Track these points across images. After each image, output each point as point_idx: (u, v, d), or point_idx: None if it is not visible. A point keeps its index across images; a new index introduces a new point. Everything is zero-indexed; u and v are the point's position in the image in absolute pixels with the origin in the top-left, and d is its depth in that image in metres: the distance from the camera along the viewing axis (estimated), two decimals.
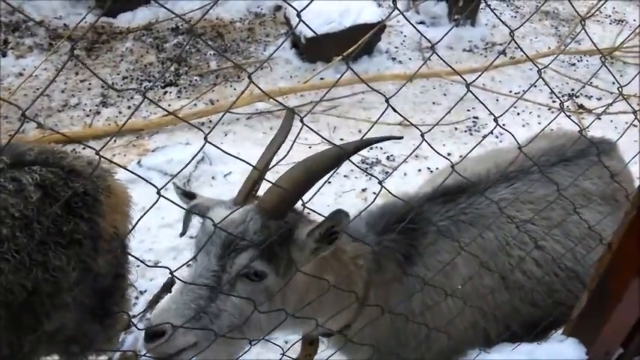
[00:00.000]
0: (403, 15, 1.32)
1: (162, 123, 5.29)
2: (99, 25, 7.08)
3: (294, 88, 5.50)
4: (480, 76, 1.77)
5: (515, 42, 1.41)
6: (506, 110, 1.87)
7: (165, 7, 1.20)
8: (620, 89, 1.85)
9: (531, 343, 2.07)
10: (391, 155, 5.06)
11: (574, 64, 6.51)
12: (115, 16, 7.20)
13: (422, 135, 1.49)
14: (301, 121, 1.34)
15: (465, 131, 5.40)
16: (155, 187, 1.14)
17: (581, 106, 5.75)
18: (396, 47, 6.73)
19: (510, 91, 5.91)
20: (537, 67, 1.57)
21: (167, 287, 2.39)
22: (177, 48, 6.69)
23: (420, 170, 4.87)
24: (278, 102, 1.71)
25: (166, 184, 1.24)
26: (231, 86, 6.03)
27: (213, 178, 4.70)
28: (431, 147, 1.58)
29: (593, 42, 1.90)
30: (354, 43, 5.84)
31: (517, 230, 2.26)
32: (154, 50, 6.65)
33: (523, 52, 1.71)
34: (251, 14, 7.43)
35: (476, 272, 2.18)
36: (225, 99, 5.74)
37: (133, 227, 1.45)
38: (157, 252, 4.11)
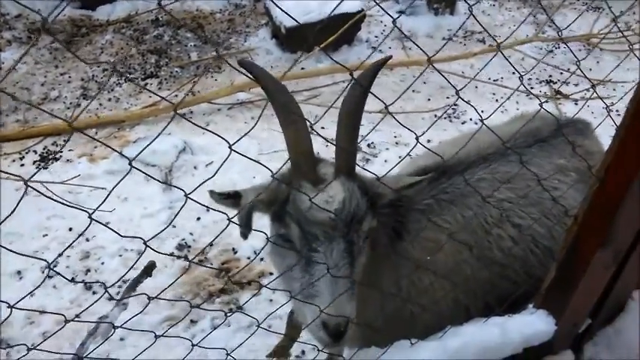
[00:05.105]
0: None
1: (143, 114, 5.29)
2: (78, 18, 7.05)
3: None
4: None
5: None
6: (466, 85, 1.91)
7: None
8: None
9: (502, 315, 2.12)
10: (372, 143, 5.10)
11: (552, 51, 6.59)
12: (95, 9, 7.18)
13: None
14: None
15: (445, 118, 5.46)
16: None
17: (558, 92, 5.83)
18: (376, 36, 6.76)
19: (489, 78, 5.97)
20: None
21: (147, 271, 2.38)
22: (157, 40, 6.67)
23: (400, 157, 4.92)
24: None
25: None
26: (212, 77, 6.04)
27: (195, 167, 4.72)
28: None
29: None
30: (335, 32, 5.87)
31: (495, 209, 2.33)
32: (134, 42, 6.63)
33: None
34: (231, 5, 7.43)
35: (457, 250, 2.23)
36: (206, 90, 5.75)
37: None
38: (139, 242, 4.11)
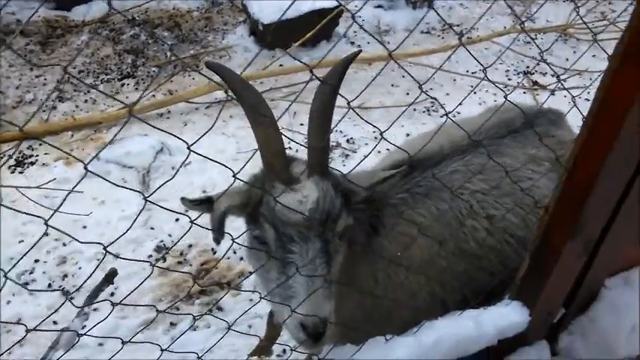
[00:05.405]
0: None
1: (119, 115, 5.23)
2: (53, 19, 6.95)
3: (253, 75, 5.48)
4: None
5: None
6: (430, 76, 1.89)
7: None
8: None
9: (478, 308, 2.12)
10: (351, 138, 5.09)
11: (529, 42, 6.61)
12: (70, 10, 7.08)
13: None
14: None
15: (424, 112, 5.46)
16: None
17: (535, 83, 5.86)
18: (355, 31, 6.73)
19: (467, 71, 5.97)
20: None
21: (108, 279, 2.27)
22: (133, 40, 6.60)
23: (379, 152, 4.91)
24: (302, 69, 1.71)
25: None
26: (189, 75, 5.98)
27: (173, 168, 4.67)
28: None
29: None
30: (312, 28, 5.85)
31: (470, 201, 2.33)
32: (111, 43, 6.55)
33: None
34: (208, 3, 7.37)
35: (432, 243, 2.23)
36: (183, 89, 5.69)
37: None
38: (117, 245, 4.06)
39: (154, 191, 1.37)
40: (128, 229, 1.34)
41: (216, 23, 6.96)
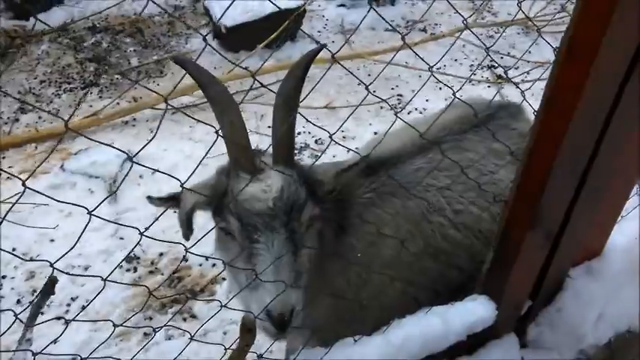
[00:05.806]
0: None
1: (83, 125, 5.14)
2: (12, 29, 6.81)
3: (219, 78, 5.43)
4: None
5: None
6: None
7: None
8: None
9: (446, 304, 2.14)
10: (319, 139, 5.09)
11: (491, 36, 6.69)
12: (29, 19, 6.94)
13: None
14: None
15: (390, 109, 5.49)
16: None
17: (499, 77, 5.93)
18: (319, 31, 6.75)
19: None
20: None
21: (47, 290, 2.14)
22: (95, 47, 6.50)
23: (348, 151, 4.92)
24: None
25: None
26: (154, 82, 5.91)
27: (140, 176, 4.60)
28: None
29: None
30: (276, 29, 5.83)
31: (435, 197, 2.35)
32: (72, 51, 6.44)
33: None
34: (170, 7, 7.29)
35: (400, 241, 2.25)
36: (148, 95, 5.63)
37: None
38: (86, 256, 4.02)
39: (97, 205, 1.36)
40: (73, 247, 1.33)
41: (179, 28, 6.90)
